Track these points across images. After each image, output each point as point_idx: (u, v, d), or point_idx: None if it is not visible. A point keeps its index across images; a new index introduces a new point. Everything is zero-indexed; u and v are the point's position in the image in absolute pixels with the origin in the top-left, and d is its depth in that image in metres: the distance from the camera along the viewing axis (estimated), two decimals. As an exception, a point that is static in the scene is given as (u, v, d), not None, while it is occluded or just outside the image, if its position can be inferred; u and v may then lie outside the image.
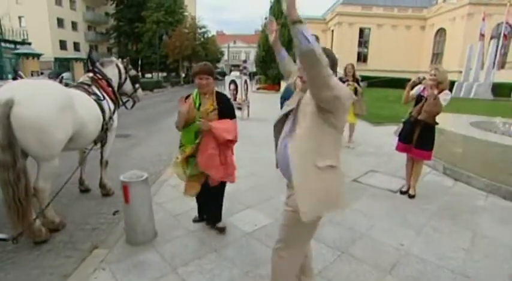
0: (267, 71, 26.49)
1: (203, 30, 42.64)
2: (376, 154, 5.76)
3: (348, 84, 5.55)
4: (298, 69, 1.66)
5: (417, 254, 2.59)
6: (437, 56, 33.22)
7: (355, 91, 5.67)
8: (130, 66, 4.02)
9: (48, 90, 2.73)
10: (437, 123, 3.64)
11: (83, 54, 35.33)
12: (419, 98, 3.68)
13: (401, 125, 3.92)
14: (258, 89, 23.80)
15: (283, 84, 25.53)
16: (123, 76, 3.94)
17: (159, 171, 4.89)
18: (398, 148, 3.95)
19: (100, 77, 3.55)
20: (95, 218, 3.35)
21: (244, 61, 29.53)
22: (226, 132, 2.52)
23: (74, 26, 36.73)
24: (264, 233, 2.86)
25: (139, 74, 34.78)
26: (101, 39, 41.15)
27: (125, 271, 2.32)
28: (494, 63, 18.36)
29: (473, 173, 4.22)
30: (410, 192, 3.83)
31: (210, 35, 45.17)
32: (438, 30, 33.01)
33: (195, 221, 3.07)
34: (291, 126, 1.63)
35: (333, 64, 1.51)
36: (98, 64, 3.60)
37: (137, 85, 4.17)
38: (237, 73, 16.87)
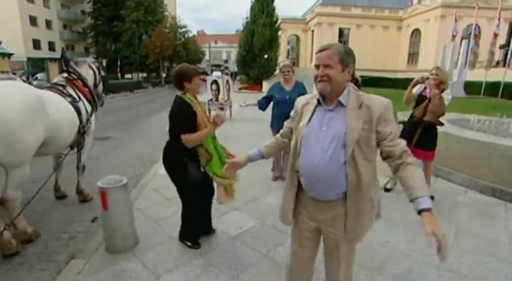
0: (248, 71, 26.50)
1: (184, 29, 42.16)
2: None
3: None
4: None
5: (403, 251, 2.60)
6: (413, 56, 34.40)
7: None
8: (102, 67, 3.89)
9: (15, 91, 2.54)
10: (442, 124, 3.62)
11: (59, 54, 34.00)
12: (420, 98, 3.64)
13: (400, 125, 3.86)
14: (240, 89, 23.72)
15: (265, 84, 25.62)
16: (98, 77, 3.79)
17: (140, 174, 4.73)
18: None
19: (75, 77, 3.36)
20: (72, 226, 3.17)
21: (226, 61, 29.33)
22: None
23: (48, 24, 35.23)
24: (249, 236, 2.79)
25: (119, 74, 34.02)
26: (78, 39, 39.72)
27: (105, 282, 2.20)
28: (465, 62, 19.21)
29: (452, 169, 4.34)
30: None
31: (190, 35, 44.69)
32: (413, 31, 34.21)
33: (198, 246, 2.65)
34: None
35: (355, 63, 1.42)
36: (72, 64, 3.41)
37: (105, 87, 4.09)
38: (219, 73, 16.73)
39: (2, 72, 13.79)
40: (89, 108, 3.40)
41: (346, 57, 1.36)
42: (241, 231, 2.89)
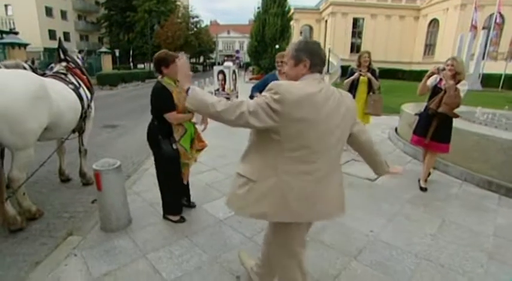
0: (260, 61, 26.35)
1: (196, 19, 42.08)
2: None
3: (360, 75, 4.74)
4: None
5: (385, 240, 2.66)
6: (430, 47, 33.25)
7: (369, 85, 4.79)
8: (86, 58, 4.09)
9: (21, 79, 2.71)
10: (458, 116, 3.56)
11: (74, 44, 34.68)
12: (435, 90, 3.57)
13: (416, 117, 3.88)
14: (250, 79, 23.64)
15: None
16: (82, 68, 3.99)
17: (142, 160, 4.90)
18: (413, 141, 3.90)
19: (73, 66, 3.53)
20: (74, 206, 3.37)
21: (237, 51, 29.28)
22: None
23: (64, 15, 35.86)
24: (236, 220, 2.91)
25: (131, 64, 34.54)
26: (92, 29, 40.35)
27: (96, 256, 2.36)
28: (484, 54, 18.47)
29: (450, 161, 4.31)
30: (422, 185, 3.76)
31: (203, 25, 44.60)
32: (431, 21, 32.97)
33: (181, 220, 2.90)
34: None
35: (312, 55, 1.43)
36: (69, 53, 3.59)
37: None
38: (230, 63, 16.73)
39: (19, 61, 14.32)
40: (89, 94, 3.57)
41: (298, 52, 1.44)
42: (229, 215, 3.00)
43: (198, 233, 2.70)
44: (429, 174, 4.02)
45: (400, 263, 2.36)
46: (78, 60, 3.83)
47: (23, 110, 2.55)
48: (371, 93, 4.82)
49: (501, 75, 18.11)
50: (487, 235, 2.77)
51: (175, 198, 2.89)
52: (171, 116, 2.54)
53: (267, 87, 1.37)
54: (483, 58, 18.53)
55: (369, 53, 4.82)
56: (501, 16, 19.48)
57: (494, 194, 3.66)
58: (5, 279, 2.21)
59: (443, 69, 3.50)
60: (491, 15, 23.68)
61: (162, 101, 2.53)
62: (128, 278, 2.14)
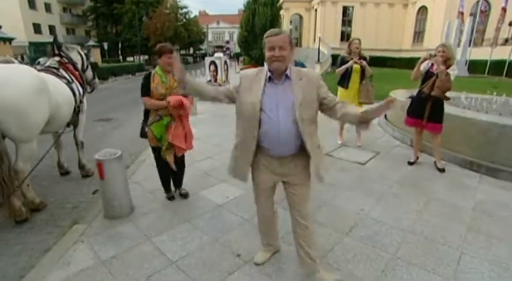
0: (250, 52, 26.18)
1: (185, 10, 41.35)
2: (351, 130, 5.98)
3: (355, 63, 4.62)
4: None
5: (375, 217, 2.85)
6: (419, 35, 33.43)
7: (362, 73, 4.69)
8: (90, 54, 4.12)
9: (23, 73, 2.77)
10: (449, 98, 3.86)
11: (60, 38, 33.84)
12: (427, 75, 3.82)
13: (409, 100, 4.13)
14: (241, 69, 23.48)
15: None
16: (86, 63, 4.06)
17: (139, 151, 4.99)
18: (407, 122, 4.13)
19: (66, 61, 3.60)
20: (75, 197, 3.48)
21: (227, 42, 29.02)
22: (182, 99, 2.79)
23: (48, 7, 34.78)
24: (234, 204, 3.06)
25: (121, 57, 33.96)
26: (78, 22, 39.30)
27: (103, 242, 2.49)
28: (470, 40, 18.76)
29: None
30: (439, 166, 3.98)
31: (192, 16, 43.91)
32: (420, 8, 33.02)
33: (170, 198, 3.22)
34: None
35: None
36: (63, 48, 3.64)
37: (95, 73, 4.35)
38: (221, 54, 16.67)
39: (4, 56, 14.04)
40: (81, 89, 3.65)
41: (292, 40, 1.70)
42: (227, 200, 3.16)
43: (198, 217, 2.85)
44: (417, 158, 4.28)
45: (387, 236, 2.55)
46: (78, 56, 3.90)
47: (28, 103, 2.64)
48: (363, 81, 4.75)
49: (487, 61, 18.45)
50: (467, 209, 2.99)
51: (161, 175, 3.18)
52: (145, 100, 2.82)
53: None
54: (469, 45, 18.83)
55: (359, 40, 4.70)
56: (487, 3, 19.70)
57: (475, 173, 3.88)
58: (16, 266, 2.33)
59: (435, 55, 3.71)
60: (478, 2, 23.94)
61: (141, 85, 2.82)
62: (135, 259, 2.28)
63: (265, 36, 1.66)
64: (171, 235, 2.56)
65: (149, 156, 4.52)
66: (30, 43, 26.91)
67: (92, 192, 3.57)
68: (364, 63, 4.66)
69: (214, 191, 3.36)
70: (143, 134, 2.96)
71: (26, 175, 2.86)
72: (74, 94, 3.47)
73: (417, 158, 4.25)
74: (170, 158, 2.98)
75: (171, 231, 2.62)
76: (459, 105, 5.03)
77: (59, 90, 3.13)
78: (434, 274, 2.10)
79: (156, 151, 3.00)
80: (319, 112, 1.78)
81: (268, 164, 1.83)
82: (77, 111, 3.56)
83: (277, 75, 1.70)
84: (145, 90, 2.79)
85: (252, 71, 1.81)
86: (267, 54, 1.64)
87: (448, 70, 3.63)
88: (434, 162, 4.10)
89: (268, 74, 1.70)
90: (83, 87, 3.81)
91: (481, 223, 2.73)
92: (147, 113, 2.92)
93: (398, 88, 7.23)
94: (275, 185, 1.99)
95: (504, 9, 18.01)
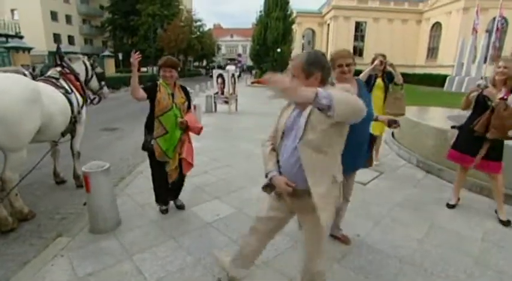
0: (261, 65, 26.45)
1: (199, 23, 42.39)
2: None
3: (376, 76, 4.23)
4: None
5: (370, 244, 2.66)
6: (433, 51, 33.16)
7: (386, 89, 4.27)
8: (97, 64, 4.15)
9: (15, 83, 2.78)
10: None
11: (78, 48, 35.14)
12: (480, 99, 2.94)
13: (454, 131, 3.29)
14: (252, 83, 23.68)
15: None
16: (90, 73, 4.07)
17: (137, 163, 4.95)
18: (450, 156, 3.31)
19: (68, 71, 3.62)
20: (66, 208, 3.42)
21: (239, 55, 29.42)
22: (197, 122, 2.98)
23: (68, 19, 36.40)
24: (223, 223, 2.93)
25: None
26: (96, 33, 40.84)
27: (83, 257, 2.40)
28: (486, 57, 18.40)
29: (443, 165, 4.30)
30: (502, 217, 3.05)
31: (206, 29, 44.94)
32: (434, 24, 32.92)
33: (164, 211, 3.13)
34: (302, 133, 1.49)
35: (323, 68, 1.48)
36: (66, 59, 3.68)
37: (103, 82, 4.33)
38: (233, 67, 16.88)
39: (22, 65, 14.56)
40: (80, 100, 3.64)
41: (309, 66, 1.45)
42: (217, 218, 3.03)
43: (185, 235, 2.73)
44: (459, 199, 3.46)
45: (383, 268, 2.35)
46: (82, 66, 3.93)
47: (18, 113, 2.63)
48: (390, 89, 4.26)
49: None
50: (474, 239, 2.77)
51: (156, 188, 3.10)
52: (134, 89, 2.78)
53: None
54: (485, 62, 18.45)
55: (383, 56, 4.23)
56: (504, 19, 19.37)
57: (485, 198, 3.64)
58: (-8, 279, 2.25)
59: (486, 86, 2.93)
60: (494, 19, 23.60)
61: (148, 87, 2.88)
62: (111, 278, 2.17)
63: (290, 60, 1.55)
64: (154, 253, 2.45)
65: (146, 168, 4.48)
66: (49, 52, 27.94)
67: (83, 203, 3.49)
68: (389, 68, 4.18)
69: (205, 208, 3.25)
70: (146, 147, 2.89)
71: (14, 185, 2.82)
72: (71, 104, 3.46)
73: (458, 199, 3.43)
74: (175, 174, 2.99)
75: (155, 249, 2.51)
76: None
77: (53, 100, 3.12)
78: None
79: (152, 158, 2.93)
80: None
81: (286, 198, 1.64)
82: (73, 121, 3.55)
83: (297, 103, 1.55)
84: (149, 93, 2.78)
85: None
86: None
87: (510, 99, 2.65)
88: (495, 211, 3.21)
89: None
90: (83, 98, 3.81)
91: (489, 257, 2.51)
92: (150, 125, 2.86)
93: (411, 105, 7.04)
94: (281, 222, 1.76)
95: (521, 27, 17.66)
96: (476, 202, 3.55)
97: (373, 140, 2.46)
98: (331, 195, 1.53)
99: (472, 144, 3.01)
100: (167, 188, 3.08)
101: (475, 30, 19.31)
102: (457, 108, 9.29)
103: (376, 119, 2.41)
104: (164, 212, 3.12)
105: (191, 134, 3.03)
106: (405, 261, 2.44)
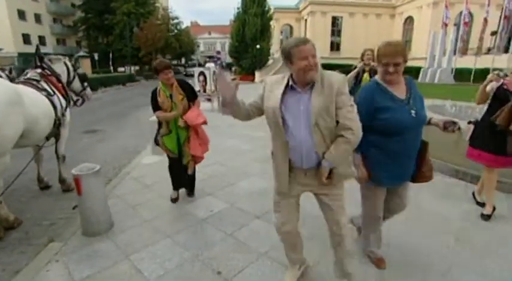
0: (241, 62, 26.41)
1: (176, 21, 41.66)
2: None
3: (364, 69, 4.32)
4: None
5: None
6: (406, 44, 34.23)
7: None
8: (79, 65, 4.04)
9: None
10: None
11: (50, 48, 33.59)
12: (500, 92, 2.72)
13: (470, 126, 3.03)
14: (233, 79, 23.54)
15: (258, 75, 25.52)
16: (72, 74, 3.97)
17: (123, 164, 4.88)
18: (470, 155, 3.04)
19: (49, 73, 3.51)
20: (54, 213, 3.35)
21: (218, 52, 29.20)
22: (199, 117, 3.09)
23: (38, 18, 34.62)
24: (218, 218, 2.99)
25: (112, 68, 33.80)
26: (69, 33, 39.15)
27: (78, 261, 2.38)
28: (455, 50, 19.31)
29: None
30: (485, 212, 2.96)
31: (183, 26, 44.25)
32: (407, 19, 34.02)
33: (174, 200, 3.38)
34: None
35: (286, 56, 1.59)
36: (46, 60, 3.56)
37: (85, 83, 4.23)
38: (212, 64, 16.75)
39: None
40: (63, 102, 3.55)
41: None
42: (211, 214, 3.08)
43: (180, 232, 2.76)
44: (494, 208, 3.00)
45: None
46: (63, 67, 3.83)
47: None
48: None
49: (471, 69, 18.95)
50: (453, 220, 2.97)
51: (171, 177, 3.36)
52: (157, 115, 3.04)
53: None
54: (454, 54, 19.36)
55: (372, 50, 4.19)
56: (470, 14, 20.36)
57: (461, 181, 3.88)
58: (-17, 290, 2.20)
59: (506, 75, 2.76)
60: (461, 13, 24.74)
61: (151, 100, 3.04)
62: (110, 279, 2.17)
63: (292, 45, 1.54)
64: (150, 252, 2.46)
65: (133, 169, 4.46)
66: (19, 54, 26.64)
67: (72, 207, 3.42)
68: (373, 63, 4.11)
69: (198, 205, 3.29)
70: (157, 143, 3.20)
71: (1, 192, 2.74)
72: (55, 107, 3.37)
73: (494, 208, 2.97)
74: (190, 164, 3.26)
75: (151, 248, 2.52)
76: (444, 114, 5.10)
77: (35, 103, 3.03)
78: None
79: (171, 158, 3.23)
80: None
81: (295, 176, 1.76)
82: (57, 124, 3.46)
83: (304, 84, 1.61)
84: (154, 106, 3.01)
85: (276, 76, 1.75)
86: (301, 63, 1.52)
87: None
88: (473, 194, 3.29)
89: (291, 82, 1.62)
90: (66, 100, 3.72)
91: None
92: (160, 123, 3.13)
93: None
94: (299, 197, 1.89)
95: (486, 20, 18.60)
96: (454, 185, 3.78)
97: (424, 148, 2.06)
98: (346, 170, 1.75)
99: (493, 139, 2.78)
100: (181, 178, 3.34)
101: (444, 23, 20.17)
102: (435, 99, 9.76)
103: (429, 123, 2.08)
104: (174, 201, 3.36)
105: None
106: (393, 244, 2.59)
